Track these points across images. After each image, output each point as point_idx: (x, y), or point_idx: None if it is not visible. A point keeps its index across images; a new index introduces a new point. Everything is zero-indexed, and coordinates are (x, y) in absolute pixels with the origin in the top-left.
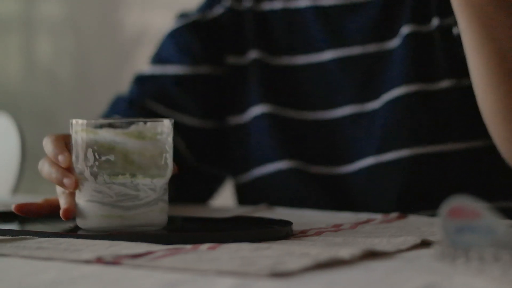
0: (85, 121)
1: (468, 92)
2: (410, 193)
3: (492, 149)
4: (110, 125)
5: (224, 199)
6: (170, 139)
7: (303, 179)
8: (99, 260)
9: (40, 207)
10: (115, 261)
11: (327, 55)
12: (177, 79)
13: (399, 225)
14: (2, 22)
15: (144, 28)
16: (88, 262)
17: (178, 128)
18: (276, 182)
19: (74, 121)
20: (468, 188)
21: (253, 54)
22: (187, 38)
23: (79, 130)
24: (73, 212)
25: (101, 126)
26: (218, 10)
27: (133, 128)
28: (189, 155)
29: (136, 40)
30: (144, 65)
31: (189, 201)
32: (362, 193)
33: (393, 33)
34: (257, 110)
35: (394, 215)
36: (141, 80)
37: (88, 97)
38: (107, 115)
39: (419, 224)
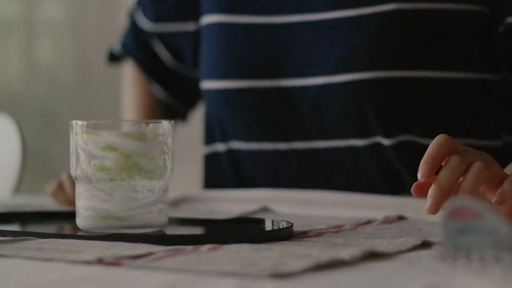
0: (85, 123)
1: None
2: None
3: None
4: (111, 127)
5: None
6: (169, 141)
7: (251, 96)
8: (100, 261)
9: None
10: (115, 262)
11: None
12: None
13: (400, 226)
14: (3, 24)
15: None
16: (88, 263)
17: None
18: (225, 99)
19: (74, 122)
20: (422, 120)
21: None
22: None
23: (79, 131)
24: None
25: (102, 128)
26: None
27: (135, 129)
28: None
29: None
30: None
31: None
32: (309, 112)
33: None
34: (209, 18)
35: (394, 216)
36: None
37: (89, 99)
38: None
39: (420, 225)
